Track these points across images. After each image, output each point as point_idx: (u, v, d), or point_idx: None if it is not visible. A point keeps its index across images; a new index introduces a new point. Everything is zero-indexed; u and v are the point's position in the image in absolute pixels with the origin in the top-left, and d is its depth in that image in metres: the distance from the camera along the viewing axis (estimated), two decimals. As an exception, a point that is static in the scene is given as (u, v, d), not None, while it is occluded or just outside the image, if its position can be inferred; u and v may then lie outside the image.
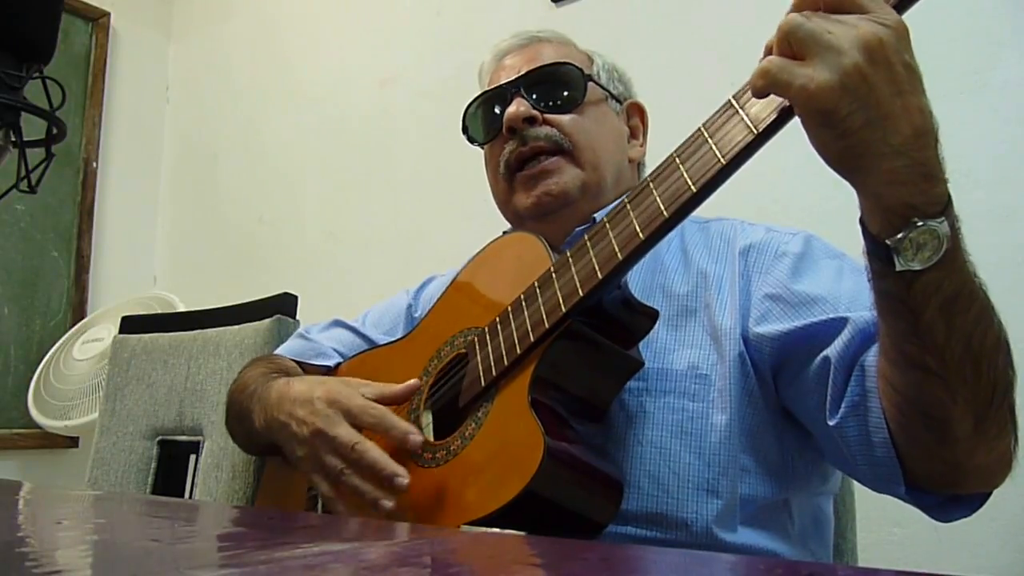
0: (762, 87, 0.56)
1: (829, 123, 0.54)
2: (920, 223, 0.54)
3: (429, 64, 2.04)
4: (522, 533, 0.57)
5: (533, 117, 0.89)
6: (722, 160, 0.61)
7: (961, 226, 0.57)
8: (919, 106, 0.54)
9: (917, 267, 0.56)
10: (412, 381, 0.80)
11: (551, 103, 0.91)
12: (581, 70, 0.93)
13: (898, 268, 0.56)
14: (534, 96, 0.91)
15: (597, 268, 0.69)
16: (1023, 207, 1.21)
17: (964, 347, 0.58)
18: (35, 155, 0.72)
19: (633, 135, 1.00)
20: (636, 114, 1.01)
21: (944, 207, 0.56)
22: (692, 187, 0.63)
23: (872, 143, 0.54)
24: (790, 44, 0.55)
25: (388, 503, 0.71)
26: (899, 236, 0.55)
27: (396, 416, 0.76)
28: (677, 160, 0.65)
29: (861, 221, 0.59)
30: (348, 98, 2.20)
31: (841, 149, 0.55)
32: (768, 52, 0.57)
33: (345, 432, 0.75)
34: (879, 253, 0.57)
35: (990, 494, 0.68)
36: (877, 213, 0.57)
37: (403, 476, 0.71)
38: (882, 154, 0.54)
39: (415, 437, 0.74)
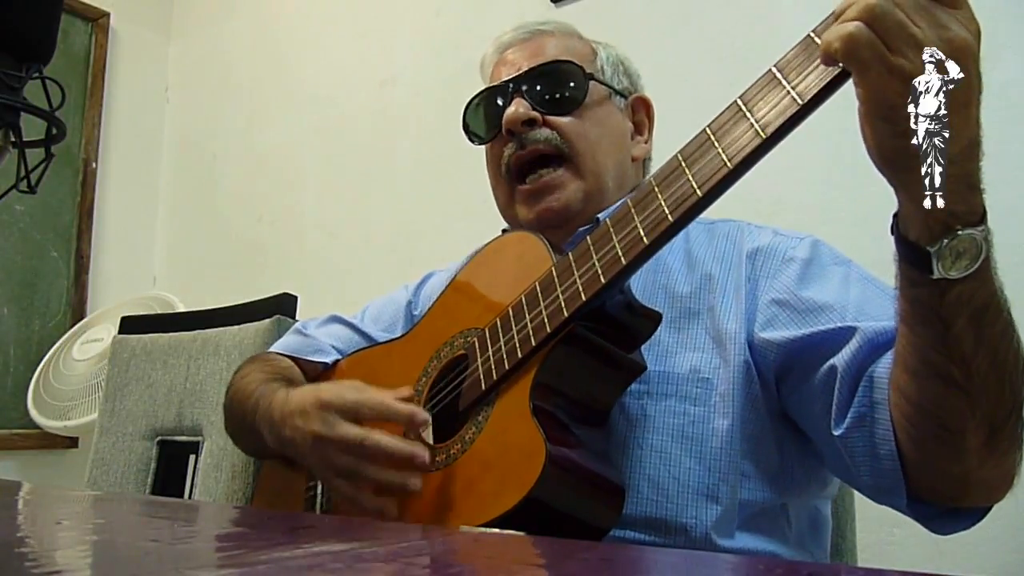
0: (839, 53, 0.51)
1: (892, 119, 0.52)
2: (961, 231, 0.53)
3: (429, 64, 2.04)
4: (522, 534, 0.57)
5: (532, 119, 0.88)
6: (729, 165, 0.60)
7: (992, 238, 0.56)
8: (977, 117, 0.53)
9: (955, 275, 0.54)
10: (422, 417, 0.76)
11: (551, 103, 0.89)
12: (582, 68, 0.91)
13: (935, 276, 0.54)
14: (535, 94, 0.89)
15: (600, 273, 0.68)
16: (1023, 207, 1.21)
17: (990, 361, 0.58)
18: (35, 155, 0.71)
19: (638, 131, 0.97)
20: (642, 109, 0.98)
21: (982, 216, 0.55)
22: (698, 192, 0.62)
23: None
24: (871, 25, 0.51)
25: (416, 482, 0.70)
26: (942, 243, 0.54)
27: (396, 402, 0.74)
28: (683, 164, 0.64)
29: (894, 228, 0.58)
30: (348, 98, 2.20)
31: (896, 148, 0.53)
32: (836, 18, 0.53)
33: (347, 429, 0.74)
34: (915, 260, 0.56)
35: (989, 509, 0.67)
36: (918, 219, 0.55)
37: (422, 454, 0.70)
38: None
39: (421, 415, 0.72)
